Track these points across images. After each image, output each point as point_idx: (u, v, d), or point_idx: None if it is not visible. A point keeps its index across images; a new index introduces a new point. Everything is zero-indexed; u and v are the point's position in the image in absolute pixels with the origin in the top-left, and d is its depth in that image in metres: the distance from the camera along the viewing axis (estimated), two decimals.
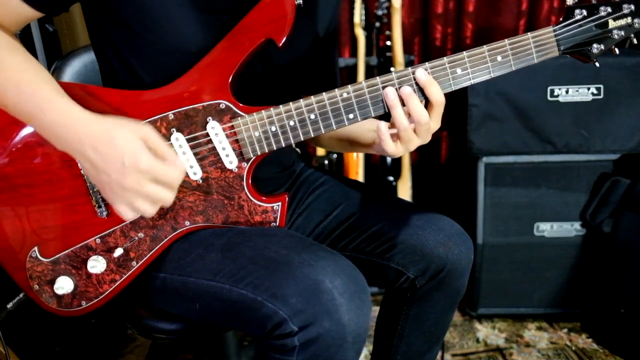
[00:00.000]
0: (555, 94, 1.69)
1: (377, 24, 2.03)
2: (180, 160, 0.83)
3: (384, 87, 0.89)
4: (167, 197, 0.83)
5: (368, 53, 2.06)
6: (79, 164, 0.91)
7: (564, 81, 1.68)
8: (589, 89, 1.68)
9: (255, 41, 0.89)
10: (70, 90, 0.85)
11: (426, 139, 0.91)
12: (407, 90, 0.87)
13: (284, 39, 0.88)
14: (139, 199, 0.81)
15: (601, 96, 1.68)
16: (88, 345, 1.66)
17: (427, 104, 0.89)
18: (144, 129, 0.81)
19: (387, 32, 2.00)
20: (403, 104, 0.88)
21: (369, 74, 2.07)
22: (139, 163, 0.78)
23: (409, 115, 0.88)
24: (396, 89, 0.88)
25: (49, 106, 0.81)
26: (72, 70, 1.23)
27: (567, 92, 1.69)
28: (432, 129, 0.90)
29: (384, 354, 1.16)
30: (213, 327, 1.02)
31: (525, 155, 1.77)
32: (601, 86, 1.67)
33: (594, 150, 1.73)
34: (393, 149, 0.90)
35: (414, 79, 0.88)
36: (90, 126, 0.81)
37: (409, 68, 0.89)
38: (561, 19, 0.90)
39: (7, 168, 0.91)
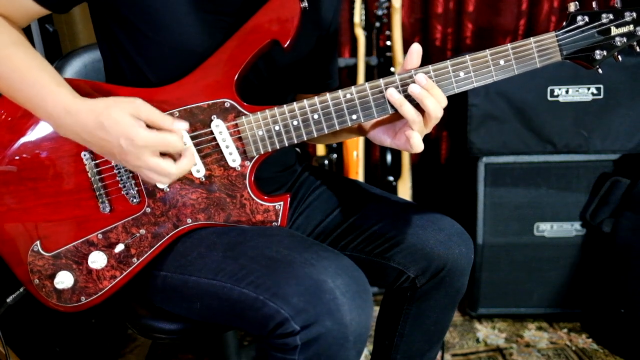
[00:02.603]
0: (555, 94, 1.70)
1: (377, 24, 2.03)
2: (178, 123, 0.84)
3: (386, 89, 0.89)
4: (170, 168, 0.84)
5: (368, 53, 2.07)
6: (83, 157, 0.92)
7: (564, 81, 1.68)
8: (589, 89, 1.68)
9: (260, 42, 0.90)
10: (77, 86, 0.87)
11: (430, 129, 0.92)
12: (417, 89, 0.87)
13: (289, 41, 0.89)
14: (147, 172, 0.84)
15: (601, 96, 1.68)
16: (88, 345, 1.66)
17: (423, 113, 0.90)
18: (134, 104, 0.82)
19: (387, 32, 2.00)
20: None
21: (369, 74, 2.07)
22: (135, 141, 0.80)
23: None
24: (399, 90, 0.89)
25: (48, 96, 0.83)
26: (72, 70, 1.23)
27: (567, 92, 1.69)
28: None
29: (384, 354, 1.16)
30: (214, 327, 1.02)
31: (525, 155, 1.77)
32: (601, 86, 1.67)
33: (594, 150, 1.74)
34: (422, 145, 0.91)
35: (414, 82, 0.89)
36: (83, 116, 0.82)
37: (412, 70, 0.89)
38: (564, 24, 0.91)
39: (14, 161, 0.93)
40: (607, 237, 1.74)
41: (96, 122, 0.81)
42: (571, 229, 1.81)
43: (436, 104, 0.88)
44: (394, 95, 0.89)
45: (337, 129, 0.91)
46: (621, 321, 1.70)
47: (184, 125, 0.85)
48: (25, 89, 0.84)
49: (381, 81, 0.89)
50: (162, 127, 0.83)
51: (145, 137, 0.80)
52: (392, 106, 0.90)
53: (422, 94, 0.87)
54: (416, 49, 0.89)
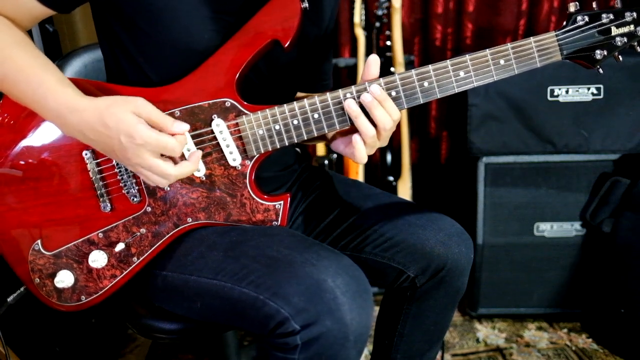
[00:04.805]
0: (555, 94, 1.70)
1: (377, 24, 2.03)
2: (179, 125, 0.84)
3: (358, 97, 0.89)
4: (168, 169, 0.83)
5: (368, 53, 2.06)
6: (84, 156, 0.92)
7: (564, 81, 1.68)
8: (589, 89, 1.68)
9: (261, 42, 0.90)
10: (79, 86, 0.87)
11: (385, 142, 0.93)
12: (369, 98, 0.88)
13: (290, 41, 0.90)
14: (146, 171, 0.84)
15: (601, 96, 1.68)
16: (88, 345, 1.66)
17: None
18: (136, 102, 0.82)
19: (387, 32, 2.00)
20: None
21: None
22: (135, 138, 0.80)
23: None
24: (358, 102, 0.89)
25: (51, 95, 0.83)
26: (72, 70, 1.23)
27: (567, 92, 1.69)
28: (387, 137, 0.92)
29: (384, 353, 1.16)
30: (214, 327, 1.02)
31: (525, 155, 1.77)
32: (601, 86, 1.67)
33: (594, 150, 1.74)
34: (365, 157, 0.91)
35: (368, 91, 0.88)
36: (87, 114, 0.82)
37: (366, 83, 0.89)
38: (564, 23, 0.91)
39: (16, 161, 0.93)
40: (607, 237, 1.74)
41: (99, 120, 0.81)
42: (571, 229, 1.81)
43: (386, 115, 0.88)
44: (351, 106, 0.89)
45: (338, 128, 0.91)
46: (621, 321, 1.70)
47: (183, 127, 0.84)
48: (28, 89, 0.84)
49: (381, 80, 0.90)
50: (162, 128, 0.83)
51: (145, 135, 0.80)
52: None
53: (373, 103, 0.87)
54: (374, 60, 0.89)
